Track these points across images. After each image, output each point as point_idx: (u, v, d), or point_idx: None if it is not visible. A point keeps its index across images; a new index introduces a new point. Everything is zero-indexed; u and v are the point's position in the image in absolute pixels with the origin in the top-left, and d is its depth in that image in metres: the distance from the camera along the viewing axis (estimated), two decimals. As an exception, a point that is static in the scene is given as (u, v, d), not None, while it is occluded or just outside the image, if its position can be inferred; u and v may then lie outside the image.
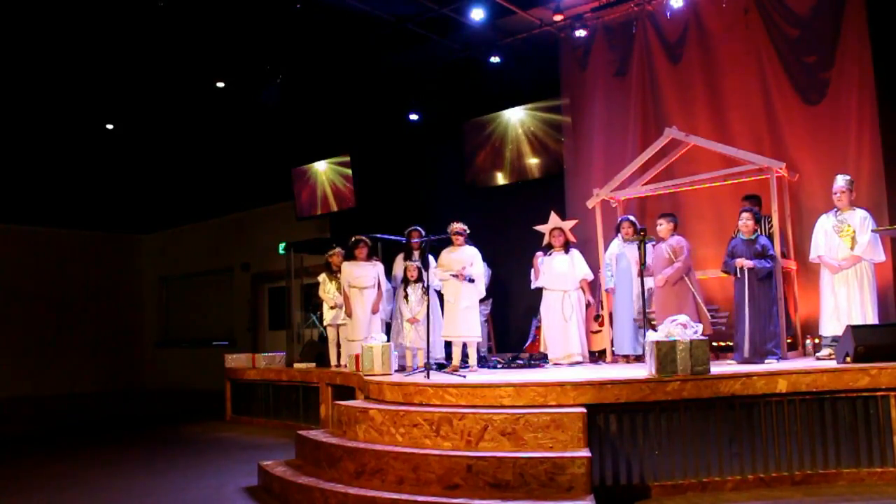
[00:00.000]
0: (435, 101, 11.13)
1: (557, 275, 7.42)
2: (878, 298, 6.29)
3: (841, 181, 6.30)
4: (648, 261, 6.83)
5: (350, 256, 8.11)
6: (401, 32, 9.71)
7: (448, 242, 7.21)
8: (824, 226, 6.35)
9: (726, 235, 7.50)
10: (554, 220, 7.62)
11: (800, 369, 4.93)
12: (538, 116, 10.38)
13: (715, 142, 7.62)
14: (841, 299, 6.16)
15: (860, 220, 6.17)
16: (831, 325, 6.18)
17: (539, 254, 7.69)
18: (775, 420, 4.80)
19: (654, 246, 7.09)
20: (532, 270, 7.59)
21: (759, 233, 6.48)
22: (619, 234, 7.61)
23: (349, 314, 7.96)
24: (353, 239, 8.11)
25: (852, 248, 6.14)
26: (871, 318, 6.03)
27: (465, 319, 6.93)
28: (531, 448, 4.41)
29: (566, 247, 7.48)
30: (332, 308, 8.49)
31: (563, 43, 9.67)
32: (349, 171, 12.24)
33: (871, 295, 6.13)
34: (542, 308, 7.56)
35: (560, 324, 7.34)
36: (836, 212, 6.32)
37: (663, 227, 6.95)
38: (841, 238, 6.20)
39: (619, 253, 7.57)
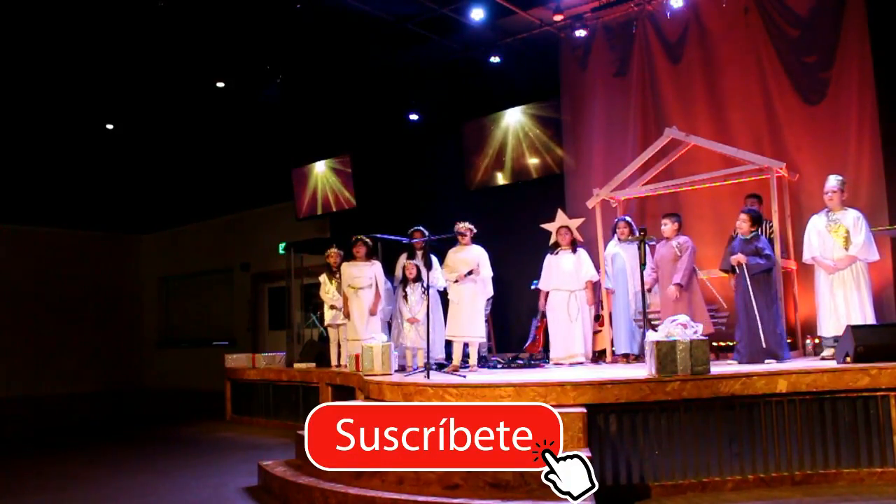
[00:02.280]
0: (435, 101, 11.13)
1: (564, 274, 7.39)
2: (874, 298, 6.30)
3: (833, 182, 6.28)
4: (650, 260, 6.83)
5: (349, 256, 8.09)
6: (401, 32, 9.71)
7: (451, 242, 7.20)
8: (817, 226, 6.33)
9: (726, 235, 7.50)
10: (561, 217, 7.60)
11: (800, 369, 4.93)
12: (538, 116, 10.38)
13: (715, 142, 7.62)
14: (839, 300, 6.15)
15: (853, 220, 6.14)
16: (831, 326, 6.18)
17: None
18: (775, 420, 4.80)
19: (653, 246, 7.08)
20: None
21: (758, 233, 6.48)
22: (616, 235, 7.62)
23: (346, 315, 7.96)
24: (353, 238, 8.09)
25: (846, 248, 6.14)
26: (870, 318, 6.04)
27: (470, 319, 6.92)
28: (531, 448, 4.40)
29: (573, 246, 7.46)
30: (331, 308, 8.49)
31: (563, 43, 9.67)
32: (349, 171, 12.24)
33: (869, 295, 6.14)
34: (548, 307, 7.53)
35: (565, 324, 7.30)
36: (828, 212, 6.31)
37: (668, 226, 6.93)
38: (834, 238, 6.19)
39: (615, 253, 7.58)
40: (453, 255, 7.08)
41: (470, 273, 6.84)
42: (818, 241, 6.28)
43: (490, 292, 7.14)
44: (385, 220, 10.43)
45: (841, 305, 6.13)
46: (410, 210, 10.55)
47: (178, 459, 6.62)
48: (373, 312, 7.89)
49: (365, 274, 7.92)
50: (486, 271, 7.02)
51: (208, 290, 16.35)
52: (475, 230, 7.15)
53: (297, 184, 13.15)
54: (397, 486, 4.31)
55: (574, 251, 7.43)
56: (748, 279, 6.10)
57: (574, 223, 7.56)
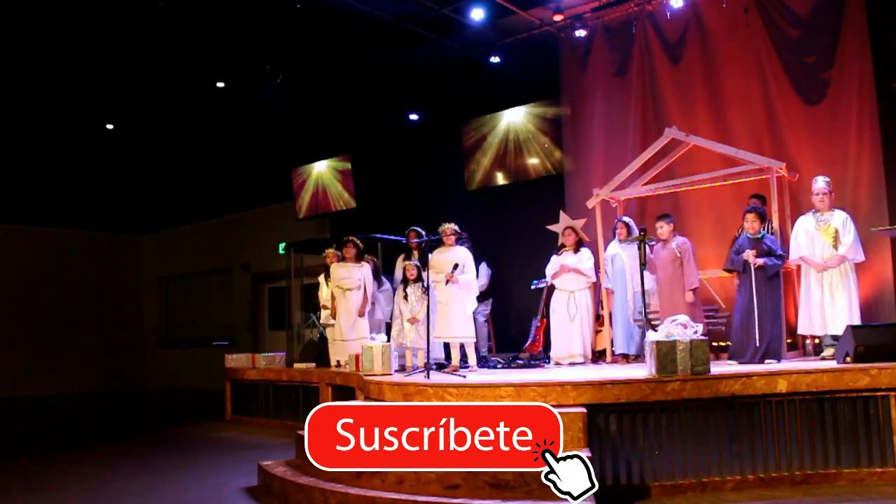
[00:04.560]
0: (435, 101, 11.13)
1: (564, 274, 7.41)
2: (869, 298, 6.32)
3: (822, 183, 6.32)
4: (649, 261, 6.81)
5: (342, 257, 8.12)
6: (401, 32, 9.71)
7: (443, 243, 7.20)
8: (805, 227, 6.37)
9: (726, 235, 7.50)
10: (564, 219, 7.62)
11: (800, 369, 4.93)
12: (538, 116, 10.38)
13: (715, 142, 7.63)
14: (826, 299, 6.19)
15: (842, 221, 6.21)
16: (819, 325, 6.21)
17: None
18: (775, 420, 4.80)
19: (652, 246, 7.07)
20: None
21: (765, 231, 6.47)
22: (616, 235, 7.64)
23: (333, 315, 7.97)
24: (343, 239, 8.11)
25: (835, 248, 6.16)
26: (857, 318, 6.07)
27: (459, 320, 6.90)
28: (531, 448, 4.41)
29: (577, 246, 7.47)
30: (324, 308, 8.50)
31: (563, 43, 9.67)
32: (349, 171, 12.24)
33: (856, 295, 6.20)
34: (551, 307, 7.57)
35: (565, 324, 7.33)
36: (815, 212, 6.35)
37: (665, 228, 6.93)
38: (824, 237, 6.22)
39: (615, 254, 7.60)
40: (438, 255, 7.08)
41: (455, 267, 6.82)
42: (806, 240, 6.32)
43: (475, 292, 7.14)
44: (385, 221, 10.43)
45: (828, 304, 6.17)
46: (410, 210, 10.54)
47: (178, 459, 6.62)
48: (360, 314, 7.90)
49: (353, 275, 7.93)
50: (471, 273, 7.02)
51: (208, 290, 16.34)
52: (459, 231, 7.16)
53: (297, 184, 13.15)
54: (397, 486, 4.31)
55: (577, 251, 7.44)
56: (762, 279, 6.07)
57: (578, 223, 7.57)
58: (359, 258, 8.05)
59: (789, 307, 7.06)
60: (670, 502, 4.48)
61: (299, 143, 12.76)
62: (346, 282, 7.91)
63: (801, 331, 6.47)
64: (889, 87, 7.30)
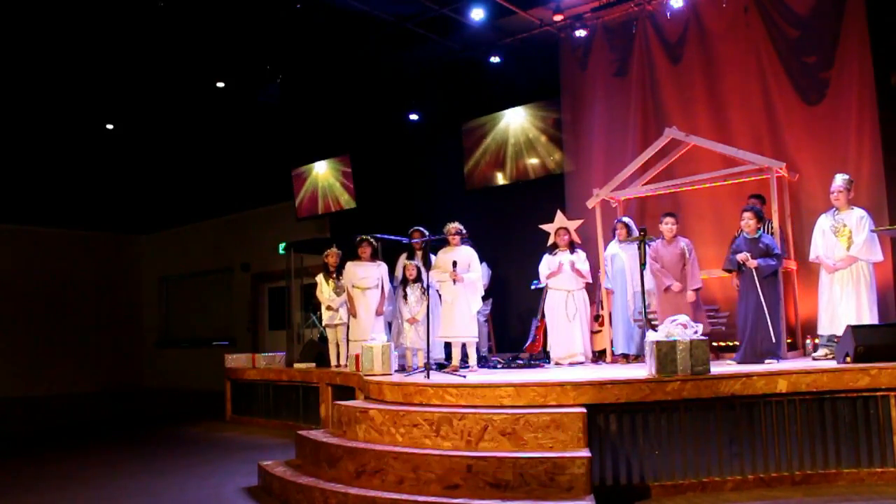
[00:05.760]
0: (435, 101, 11.13)
1: (561, 274, 7.41)
2: (878, 299, 6.28)
3: (839, 181, 6.28)
4: (650, 261, 6.81)
5: (353, 256, 8.07)
6: (401, 32, 9.71)
7: (448, 243, 7.21)
8: (822, 226, 6.35)
9: (726, 235, 7.50)
10: (560, 219, 7.61)
11: (800, 369, 4.93)
12: (538, 116, 10.38)
13: (715, 142, 7.63)
14: (837, 299, 6.16)
15: (857, 220, 6.15)
16: (828, 325, 6.19)
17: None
18: (775, 420, 4.80)
19: (653, 246, 7.05)
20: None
21: (762, 231, 6.46)
22: (616, 236, 7.64)
23: (353, 314, 7.93)
24: (357, 238, 8.06)
25: (849, 249, 6.14)
26: (868, 318, 6.02)
27: (463, 320, 6.91)
28: (531, 448, 4.41)
29: (571, 247, 7.47)
30: (328, 309, 8.45)
31: (563, 43, 9.68)
32: (349, 171, 12.25)
33: (869, 295, 6.12)
34: (547, 307, 7.56)
35: (564, 324, 7.33)
36: (835, 212, 6.31)
37: (674, 226, 6.89)
38: (838, 238, 6.20)
39: (614, 254, 7.60)
40: (443, 255, 7.08)
41: (455, 265, 6.82)
42: (822, 240, 6.29)
43: (481, 291, 7.15)
44: (385, 220, 10.42)
45: (839, 305, 6.14)
46: (410, 210, 10.55)
47: (178, 459, 6.62)
48: (379, 312, 7.88)
49: (371, 274, 7.90)
50: (476, 272, 7.02)
51: (208, 290, 16.35)
52: (464, 231, 7.16)
53: (296, 184, 13.16)
54: (397, 486, 4.32)
55: (572, 252, 7.44)
56: (758, 280, 6.07)
57: (573, 224, 7.57)
58: (374, 257, 8.03)
59: (790, 307, 7.06)
60: (670, 502, 4.48)
61: (299, 143, 12.76)
62: (366, 281, 7.87)
63: (820, 331, 6.44)
64: (889, 87, 7.30)
